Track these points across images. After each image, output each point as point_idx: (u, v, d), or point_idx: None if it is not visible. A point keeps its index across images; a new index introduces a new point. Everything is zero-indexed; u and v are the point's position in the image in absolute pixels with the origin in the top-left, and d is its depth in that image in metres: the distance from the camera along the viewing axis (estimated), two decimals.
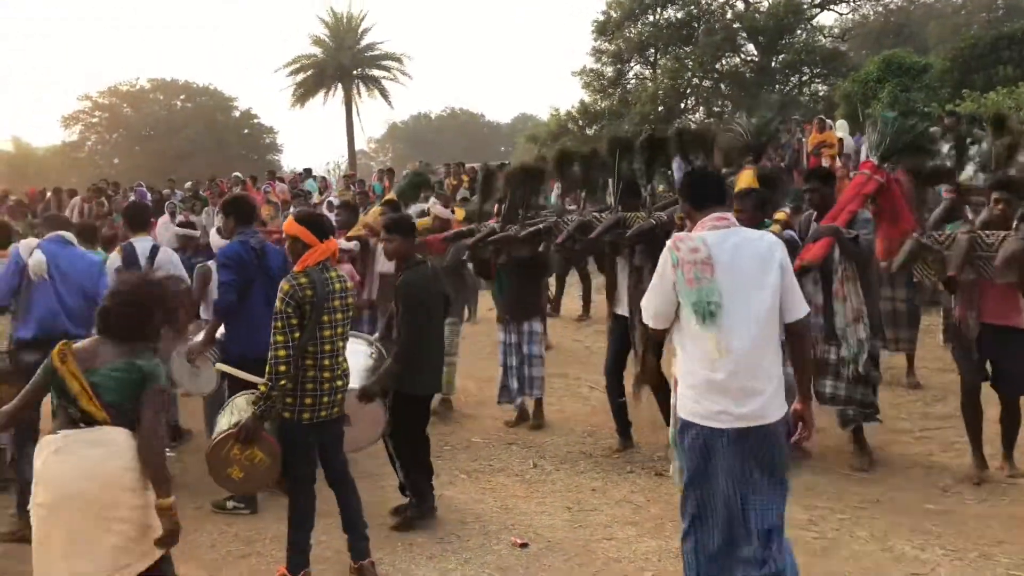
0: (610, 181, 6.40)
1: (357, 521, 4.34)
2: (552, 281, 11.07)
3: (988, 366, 5.13)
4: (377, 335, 5.45)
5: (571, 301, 11.36)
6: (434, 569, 4.47)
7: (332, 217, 9.05)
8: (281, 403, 3.99)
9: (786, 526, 4.49)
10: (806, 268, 5.05)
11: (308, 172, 18.82)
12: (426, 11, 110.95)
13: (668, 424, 6.35)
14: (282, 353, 3.88)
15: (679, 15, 34.44)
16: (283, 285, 3.96)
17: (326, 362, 4.03)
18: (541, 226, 6.39)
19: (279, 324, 3.90)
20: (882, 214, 5.47)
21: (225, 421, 4.16)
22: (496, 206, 7.24)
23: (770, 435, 3.20)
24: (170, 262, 5.81)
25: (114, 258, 5.85)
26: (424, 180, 9.39)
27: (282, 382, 3.89)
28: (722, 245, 3.21)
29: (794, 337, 3.31)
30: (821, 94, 34.32)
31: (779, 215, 5.44)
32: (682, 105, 35.22)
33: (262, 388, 3.97)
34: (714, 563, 3.29)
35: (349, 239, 7.41)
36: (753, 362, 3.14)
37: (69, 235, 5.41)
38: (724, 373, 3.14)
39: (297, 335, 3.91)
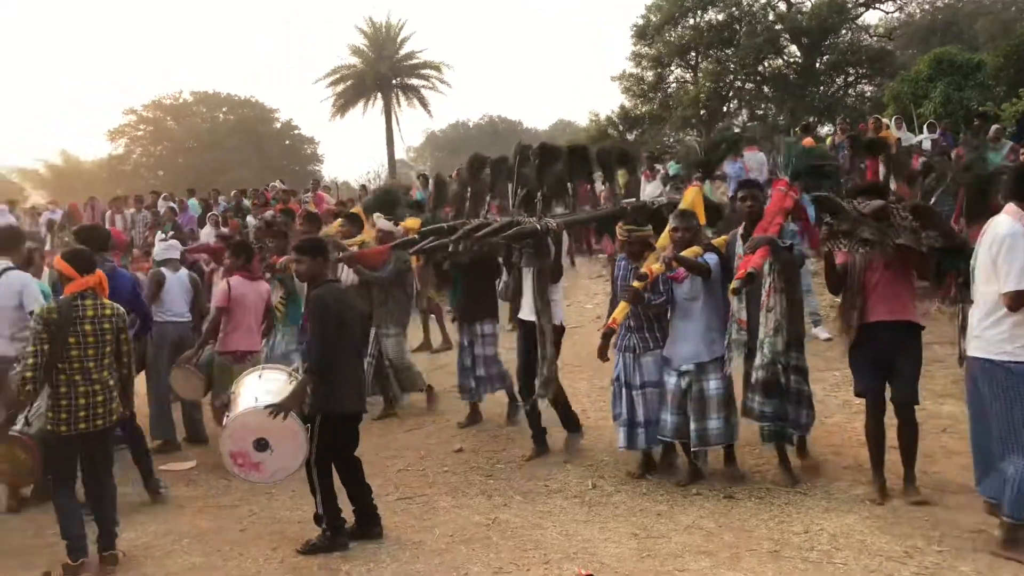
0: (509, 187, 6.58)
1: (108, 515, 4.85)
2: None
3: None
4: (295, 365, 5.32)
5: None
6: None
7: None
8: (45, 416, 4.69)
9: (879, 557, 4.21)
10: (751, 275, 4.99)
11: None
12: (462, 20, 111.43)
13: (570, 430, 6.40)
14: (30, 361, 4.54)
15: (720, 17, 33.82)
16: (37, 311, 4.68)
17: (77, 378, 4.61)
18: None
19: (31, 340, 4.61)
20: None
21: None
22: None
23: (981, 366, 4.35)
24: (22, 284, 5.51)
25: None
26: (394, 198, 9.19)
27: (27, 387, 4.51)
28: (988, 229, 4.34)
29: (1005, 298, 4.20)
30: (867, 95, 33.55)
31: (718, 240, 5.73)
32: (724, 108, 34.64)
33: None
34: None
35: None
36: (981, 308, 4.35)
37: None
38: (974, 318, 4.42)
39: (45, 350, 4.54)
